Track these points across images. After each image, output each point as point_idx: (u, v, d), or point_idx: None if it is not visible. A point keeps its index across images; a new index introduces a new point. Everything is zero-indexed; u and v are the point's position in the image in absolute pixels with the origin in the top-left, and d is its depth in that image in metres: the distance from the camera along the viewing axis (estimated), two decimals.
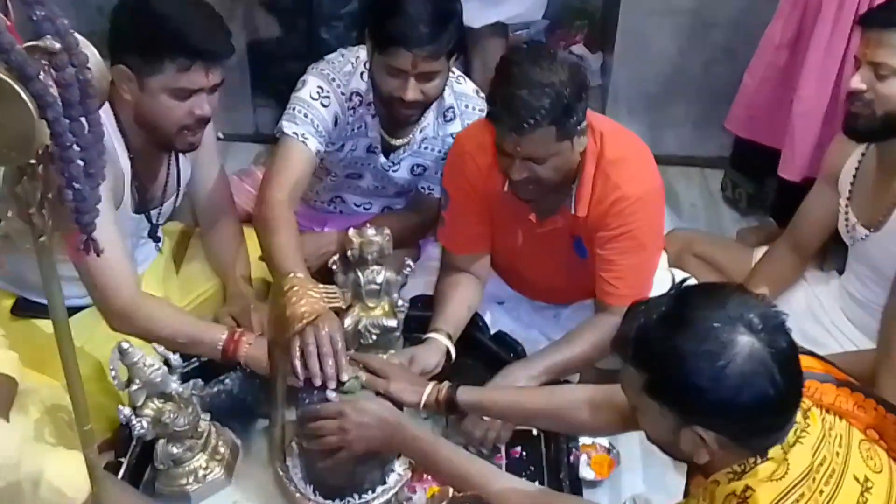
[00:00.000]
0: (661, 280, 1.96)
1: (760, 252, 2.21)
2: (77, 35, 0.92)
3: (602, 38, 3.31)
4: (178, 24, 1.63)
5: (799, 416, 1.17)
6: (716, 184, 2.97)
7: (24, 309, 1.84)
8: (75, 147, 0.91)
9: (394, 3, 1.82)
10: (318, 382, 1.51)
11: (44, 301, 1.73)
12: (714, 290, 1.20)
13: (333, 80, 1.99)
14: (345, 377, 1.53)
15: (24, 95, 0.85)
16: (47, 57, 0.88)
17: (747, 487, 1.14)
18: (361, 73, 1.98)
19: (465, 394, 1.60)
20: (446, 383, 1.63)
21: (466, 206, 1.91)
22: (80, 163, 0.93)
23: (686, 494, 1.35)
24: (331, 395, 1.53)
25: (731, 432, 1.14)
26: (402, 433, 1.50)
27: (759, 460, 1.15)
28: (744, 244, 2.51)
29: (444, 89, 1.97)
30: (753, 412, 1.11)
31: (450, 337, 1.81)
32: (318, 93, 1.96)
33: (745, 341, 1.10)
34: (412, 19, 1.78)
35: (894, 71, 1.77)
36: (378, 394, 1.58)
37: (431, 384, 1.63)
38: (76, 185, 0.93)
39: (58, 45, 0.88)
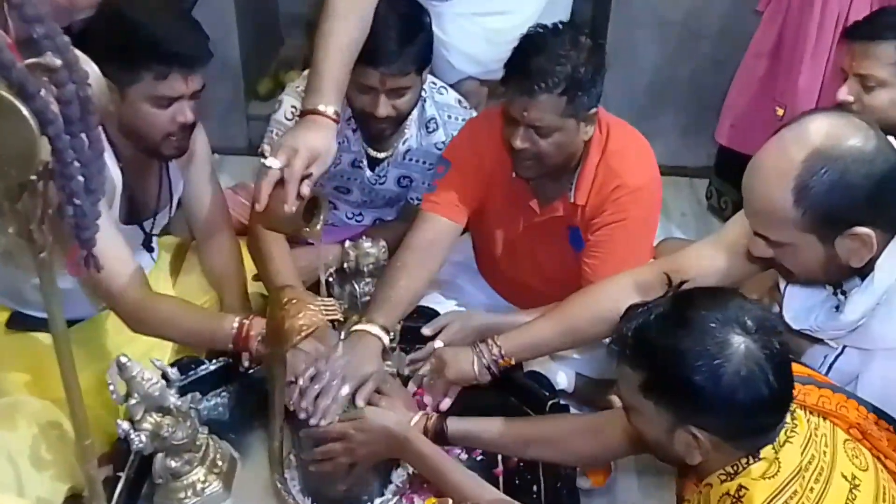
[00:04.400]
0: None
1: None
2: (77, 51, 0.93)
3: None
4: (152, 31, 1.61)
5: (787, 416, 1.20)
6: (704, 193, 3.00)
7: (20, 322, 1.83)
8: (76, 163, 0.92)
9: None
10: (313, 421, 1.53)
11: (39, 315, 1.76)
12: (712, 293, 1.22)
13: None
14: (340, 412, 1.54)
15: (25, 112, 0.85)
16: (48, 74, 0.89)
17: (741, 486, 1.16)
18: None
19: (455, 423, 1.59)
20: (434, 414, 1.63)
21: (466, 176, 1.90)
22: (81, 179, 0.93)
23: (679, 501, 1.36)
24: None
25: (726, 432, 1.16)
26: (409, 446, 1.50)
27: (751, 461, 1.18)
28: None
29: (416, 103, 1.98)
30: (748, 411, 1.13)
31: (385, 329, 1.72)
32: (292, 112, 1.97)
33: (741, 342, 1.12)
34: (378, 38, 1.78)
35: (881, 82, 1.80)
36: None
37: (420, 413, 1.62)
38: (76, 202, 0.93)
39: (58, 62, 0.89)
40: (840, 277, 1.39)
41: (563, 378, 2.03)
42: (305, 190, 1.47)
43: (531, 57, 1.65)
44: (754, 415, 1.15)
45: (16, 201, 0.92)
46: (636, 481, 1.94)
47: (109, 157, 1.73)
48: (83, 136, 0.92)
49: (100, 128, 0.96)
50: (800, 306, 1.46)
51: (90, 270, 1.54)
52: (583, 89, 1.66)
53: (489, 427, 1.60)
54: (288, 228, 1.54)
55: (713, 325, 1.13)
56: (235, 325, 1.67)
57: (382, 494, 1.62)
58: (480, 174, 1.90)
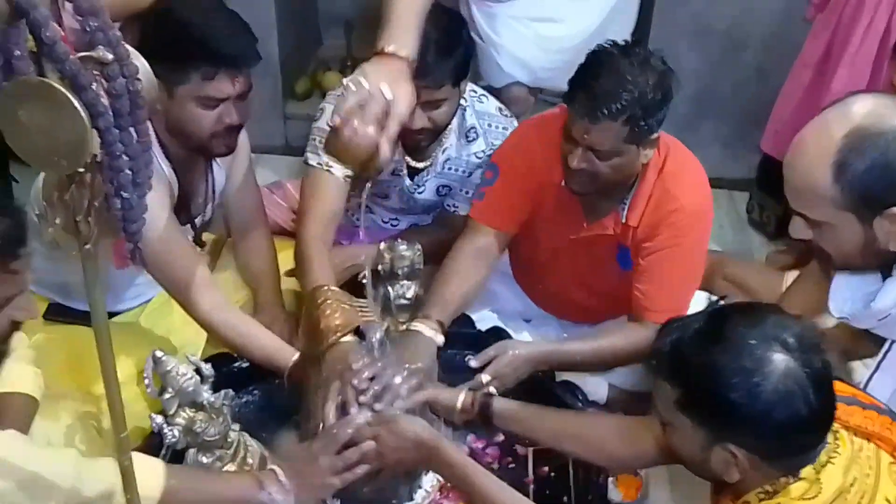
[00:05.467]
0: (696, 301, 1.96)
1: (791, 276, 2.19)
2: (127, 46, 0.93)
3: None
4: (201, 31, 1.63)
5: (829, 437, 1.18)
6: (743, 205, 2.95)
7: (57, 314, 1.85)
8: (124, 157, 0.93)
9: None
10: (378, 407, 1.52)
11: (76, 307, 1.78)
12: (751, 309, 1.21)
13: None
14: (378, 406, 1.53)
15: (77, 105, 0.86)
16: (99, 67, 0.90)
17: None
18: None
19: (501, 402, 1.60)
20: (482, 391, 1.63)
21: (514, 184, 1.88)
22: (129, 172, 0.94)
23: None
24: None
25: (764, 450, 1.14)
26: (439, 456, 1.49)
27: (790, 480, 1.16)
28: (773, 267, 2.49)
29: (453, 115, 1.97)
30: (786, 430, 1.12)
31: (440, 325, 1.74)
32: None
33: (780, 359, 1.11)
34: None
35: None
36: None
37: (467, 389, 1.63)
38: (124, 194, 0.94)
39: (110, 56, 0.90)
40: (879, 263, 1.37)
41: (595, 389, 2.01)
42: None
43: (598, 78, 1.61)
44: (793, 434, 1.13)
45: (64, 193, 0.93)
46: (668, 495, 1.91)
47: (161, 158, 1.75)
48: (132, 129, 0.93)
49: (148, 122, 0.97)
50: (841, 295, 1.45)
51: (166, 276, 1.68)
52: (647, 116, 1.62)
53: (532, 414, 1.61)
54: (357, 160, 1.40)
55: (752, 341, 1.12)
56: (293, 361, 1.69)
57: (412, 499, 1.61)
58: (530, 181, 1.87)
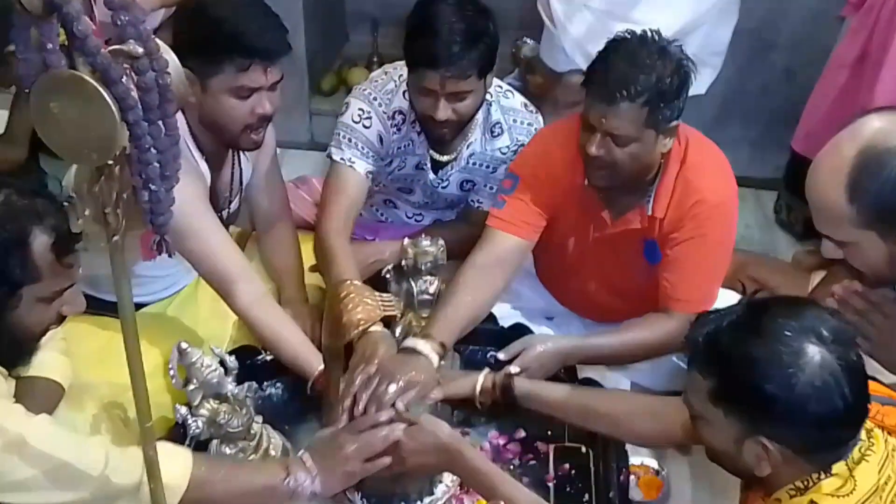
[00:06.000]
0: (719, 302, 1.94)
1: (818, 277, 2.17)
2: (157, 40, 0.94)
3: None
4: (235, 24, 1.66)
5: (863, 434, 1.17)
6: (770, 205, 2.93)
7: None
8: (153, 150, 0.94)
9: (422, 23, 1.84)
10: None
11: (104, 297, 1.80)
12: (788, 302, 1.20)
13: (375, 99, 2.01)
14: (401, 406, 1.52)
15: (107, 98, 0.87)
16: (129, 61, 0.91)
17: (812, 502, 1.14)
18: (404, 92, 2.00)
19: (522, 383, 1.62)
20: (502, 372, 1.65)
21: (534, 191, 1.87)
22: (157, 165, 0.95)
23: None
24: None
25: (797, 444, 1.13)
26: (461, 461, 1.49)
27: (822, 476, 1.15)
28: (799, 268, 2.47)
29: (478, 108, 1.97)
30: (821, 423, 1.11)
31: (441, 347, 1.67)
32: (359, 115, 1.99)
33: (816, 352, 1.10)
34: (439, 40, 1.79)
35: None
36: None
37: (486, 370, 1.65)
38: (152, 187, 0.95)
39: (140, 50, 0.91)
40: None
41: (616, 386, 2.00)
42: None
43: (615, 63, 1.62)
44: (827, 427, 1.12)
45: (93, 185, 0.94)
46: (689, 495, 1.90)
47: (195, 151, 1.78)
48: (160, 123, 0.94)
49: (180, 115, 0.98)
50: None
51: (205, 270, 1.72)
52: (665, 101, 1.62)
53: (555, 392, 1.62)
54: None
55: (788, 333, 1.11)
56: (318, 370, 1.71)
57: (432, 493, 1.61)
58: (552, 185, 1.86)
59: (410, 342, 1.64)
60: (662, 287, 1.81)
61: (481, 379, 1.64)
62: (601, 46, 1.70)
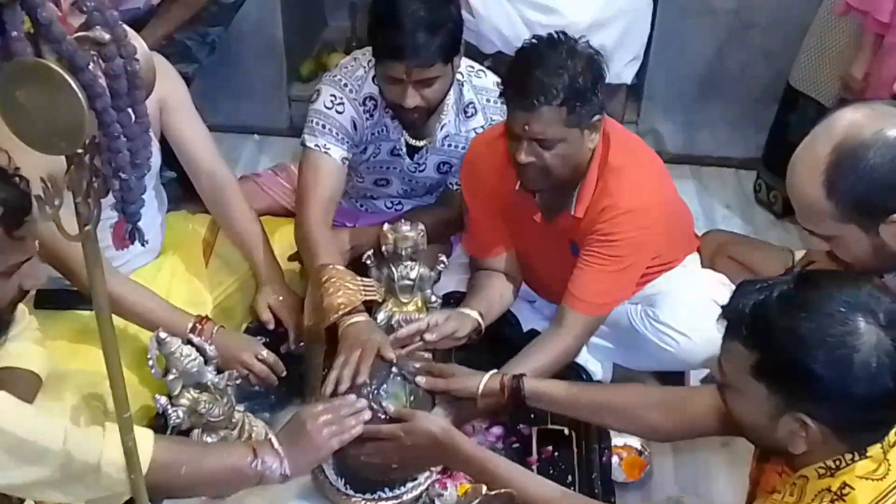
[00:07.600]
0: (698, 282, 1.95)
1: (799, 255, 2.18)
2: (125, 26, 0.93)
3: None
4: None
5: None
6: (750, 185, 2.94)
7: (47, 301, 1.82)
8: (122, 138, 0.92)
9: (384, 13, 1.83)
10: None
11: (58, 288, 1.76)
12: (843, 277, 1.16)
13: (346, 85, 2.00)
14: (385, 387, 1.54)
15: (74, 86, 0.85)
16: (96, 48, 0.89)
17: (845, 485, 1.10)
18: (373, 78, 1.98)
19: (531, 382, 1.60)
20: (509, 373, 1.62)
21: (484, 211, 1.93)
22: (127, 153, 0.94)
23: (753, 485, 1.31)
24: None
25: (838, 423, 1.09)
26: (456, 452, 1.49)
27: (856, 457, 1.11)
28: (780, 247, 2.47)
29: (447, 91, 1.96)
30: (869, 405, 1.07)
31: (481, 315, 1.80)
32: (331, 101, 1.98)
33: (872, 331, 1.05)
34: (403, 31, 1.78)
35: None
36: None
37: (492, 371, 1.63)
38: (122, 175, 0.94)
39: (107, 36, 0.89)
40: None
41: (598, 368, 2.01)
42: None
43: (528, 71, 1.62)
44: (875, 409, 1.07)
45: (63, 175, 0.93)
46: (672, 474, 1.91)
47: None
48: (130, 110, 0.93)
49: (146, 103, 0.96)
50: None
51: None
52: (583, 99, 1.63)
53: (565, 390, 1.60)
54: None
55: (842, 309, 1.06)
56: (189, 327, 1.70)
57: (415, 478, 1.62)
58: (492, 198, 1.90)
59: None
60: (568, 287, 1.79)
61: (485, 379, 1.62)
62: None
